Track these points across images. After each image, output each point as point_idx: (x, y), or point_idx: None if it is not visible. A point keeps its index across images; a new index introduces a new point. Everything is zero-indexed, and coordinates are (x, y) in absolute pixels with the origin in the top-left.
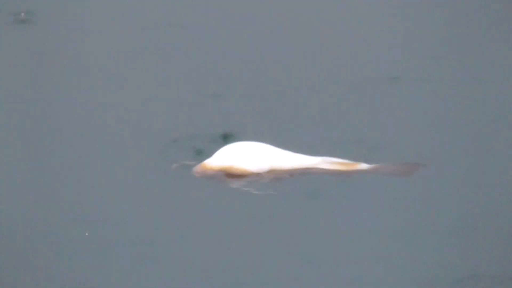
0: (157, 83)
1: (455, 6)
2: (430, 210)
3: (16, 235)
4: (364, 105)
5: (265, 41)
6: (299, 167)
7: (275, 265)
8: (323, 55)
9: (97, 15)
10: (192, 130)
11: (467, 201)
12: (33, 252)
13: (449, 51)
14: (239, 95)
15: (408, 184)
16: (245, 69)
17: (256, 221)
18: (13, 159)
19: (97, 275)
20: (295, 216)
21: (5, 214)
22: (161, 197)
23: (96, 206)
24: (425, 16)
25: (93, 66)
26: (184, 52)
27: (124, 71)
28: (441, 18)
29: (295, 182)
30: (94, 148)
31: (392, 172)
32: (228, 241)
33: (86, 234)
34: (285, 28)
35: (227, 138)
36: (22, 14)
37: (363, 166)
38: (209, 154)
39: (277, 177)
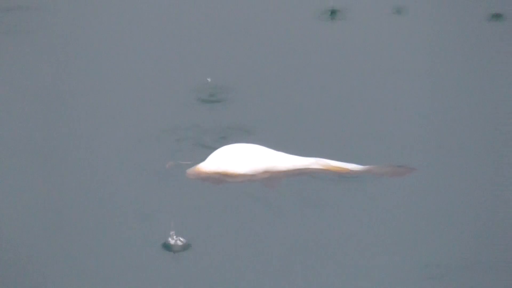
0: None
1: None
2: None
3: (12, 235)
4: (357, 105)
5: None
6: (293, 168)
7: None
8: (317, 57)
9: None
10: (190, 130)
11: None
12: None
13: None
14: (235, 97)
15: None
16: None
17: (251, 222)
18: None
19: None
20: (291, 218)
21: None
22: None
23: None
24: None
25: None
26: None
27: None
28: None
29: (289, 184)
30: (94, 144)
31: (384, 173)
32: (223, 242)
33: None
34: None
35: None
36: None
37: (356, 167)
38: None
39: (271, 179)
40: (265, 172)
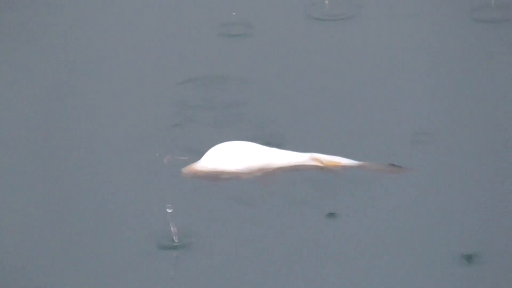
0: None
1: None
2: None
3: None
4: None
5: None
6: (287, 164)
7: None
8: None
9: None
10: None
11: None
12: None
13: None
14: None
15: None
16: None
17: (251, 222)
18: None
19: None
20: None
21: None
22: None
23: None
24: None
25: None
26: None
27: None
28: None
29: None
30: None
31: (378, 170)
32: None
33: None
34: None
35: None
36: None
37: (350, 162)
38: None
39: (267, 176)
40: (261, 169)
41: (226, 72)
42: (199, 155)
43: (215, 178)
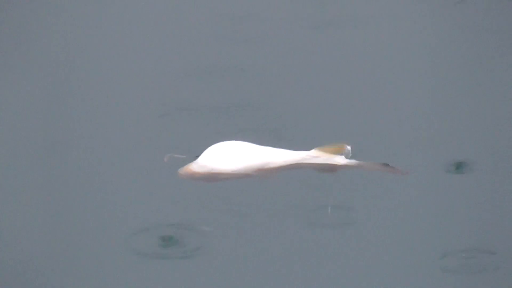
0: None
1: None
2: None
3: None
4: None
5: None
6: (285, 164)
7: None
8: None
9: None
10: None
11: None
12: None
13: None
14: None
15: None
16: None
17: (250, 222)
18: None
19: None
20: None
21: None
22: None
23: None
24: None
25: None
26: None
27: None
28: None
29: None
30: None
31: (376, 169)
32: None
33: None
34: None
35: None
36: None
37: (347, 161)
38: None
39: (265, 176)
40: (258, 169)
41: (226, 72)
42: (196, 153)
43: (212, 178)
